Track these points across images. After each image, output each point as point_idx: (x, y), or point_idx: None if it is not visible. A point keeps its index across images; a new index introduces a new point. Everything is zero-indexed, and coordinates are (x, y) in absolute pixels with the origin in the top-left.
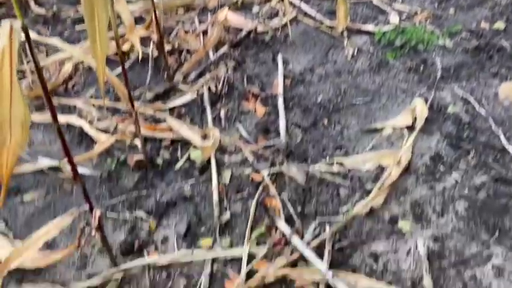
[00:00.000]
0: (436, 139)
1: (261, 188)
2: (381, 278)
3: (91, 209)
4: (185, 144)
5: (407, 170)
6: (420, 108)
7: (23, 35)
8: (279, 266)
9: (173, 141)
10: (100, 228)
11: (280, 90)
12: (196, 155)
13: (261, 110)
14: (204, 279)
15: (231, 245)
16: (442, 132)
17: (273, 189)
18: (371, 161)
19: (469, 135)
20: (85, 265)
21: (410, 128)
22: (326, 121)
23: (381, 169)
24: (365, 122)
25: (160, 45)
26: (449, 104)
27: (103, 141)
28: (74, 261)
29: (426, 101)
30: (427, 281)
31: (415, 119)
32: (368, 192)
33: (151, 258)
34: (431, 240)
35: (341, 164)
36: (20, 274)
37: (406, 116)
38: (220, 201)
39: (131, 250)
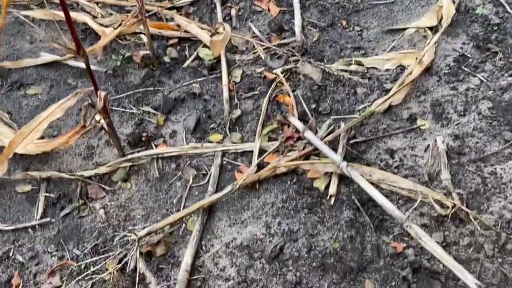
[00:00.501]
0: (462, 41)
1: (273, 85)
2: (396, 172)
3: (96, 89)
4: (194, 42)
5: (428, 71)
6: (447, 8)
7: None
8: (291, 159)
9: (180, 40)
10: (105, 110)
11: None
12: (205, 53)
13: (275, 9)
14: (213, 170)
15: (242, 141)
16: (468, 34)
17: (287, 86)
18: (391, 61)
19: (498, 38)
20: (92, 155)
21: (434, 30)
22: (344, 22)
23: (401, 69)
24: (386, 23)
25: None
26: (478, 5)
27: (108, 33)
28: (81, 152)
29: (453, 1)
30: (445, 175)
31: (440, 20)
32: (387, 91)
33: (159, 149)
34: (450, 138)
35: (359, 64)
36: (27, 162)
37: (431, 17)
38: (231, 98)
39: (138, 142)
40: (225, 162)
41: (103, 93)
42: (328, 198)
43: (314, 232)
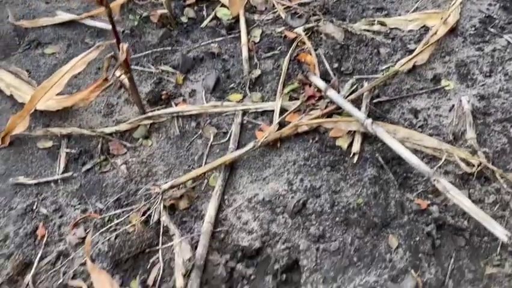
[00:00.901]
0: (488, 2)
1: (294, 45)
2: (420, 132)
3: (118, 42)
4: (212, 2)
5: (453, 32)
6: None
7: None
8: (313, 117)
9: (198, 0)
10: (127, 64)
11: None
12: (223, 13)
13: None
14: (234, 129)
15: (262, 100)
16: None
17: (309, 44)
18: (415, 21)
19: None
20: (112, 113)
21: None
22: None
23: (425, 30)
24: None
25: None
26: None
27: None
28: (100, 110)
29: None
30: (470, 134)
31: None
32: (410, 52)
33: (179, 107)
34: (476, 99)
35: (383, 24)
36: (47, 119)
37: None
38: (250, 58)
39: (158, 101)
40: (245, 121)
41: (125, 46)
42: (351, 156)
43: (337, 189)
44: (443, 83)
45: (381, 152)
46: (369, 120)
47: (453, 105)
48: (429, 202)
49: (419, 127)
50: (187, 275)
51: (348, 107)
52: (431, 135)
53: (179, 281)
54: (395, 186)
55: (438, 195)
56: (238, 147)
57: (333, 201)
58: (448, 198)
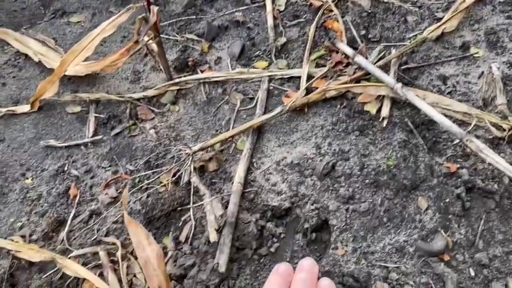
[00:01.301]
0: None
1: (320, 12)
2: (449, 98)
3: (149, 4)
4: None
5: (482, 0)
6: None
7: None
8: (341, 82)
9: None
10: (156, 27)
11: None
12: None
13: None
14: (260, 94)
15: (288, 67)
16: None
17: (336, 11)
18: None
19: None
20: (139, 80)
21: None
22: None
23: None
24: None
25: None
26: None
27: None
28: (127, 76)
29: None
30: (501, 100)
31: None
32: (438, 20)
33: (206, 74)
34: (506, 66)
35: None
36: (75, 85)
37: None
38: (275, 26)
39: (184, 67)
40: (271, 88)
41: (155, 8)
42: (380, 120)
43: (366, 152)
44: (472, 50)
45: (410, 117)
46: (399, 85)
47: (482, 72)
48: (458, 166)
49: (447, 93)
50: (219, 231)
51: (377, 72)
52: (460, 101)
53: (213, 235)
54: (424, 150)
55: (468, 159)
56: (265, 113)
57: (363, 164)
58: (478, 161)
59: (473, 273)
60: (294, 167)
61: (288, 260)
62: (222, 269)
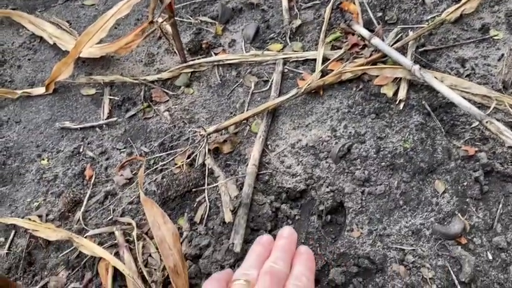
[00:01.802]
0: None
1: None
2: (468, 80)
3: None
4: None
5: None
6: None
7: None
8: (358, 64)
9: None
10: (171, 7)
11: None
12: None
13: None
14: (275, 77)
15: (303, 50)
16: None
17: None
18: None
19: None
20: (153, 62)
21: None
22: None
23: None
24: None
25: None
26: None
27: None
28: (141, 59)
29: None
30: None
31: None
32: (457, 1)
33: (220, 56)
34: None
35: None
36: (89, 68)
37: None
38: (290, 8)
39: (198, 50)
40: (286, 70)
41: None
42: (397, 103)
43: (382, 135)
44: (492, 32)
45: (428, 100)
46: (417, 66)
47: (502, 55)
48: (476, 149)
49: (466, 76)
50: (234, 212)
51: (394, 54)
52: (479, 83)
53: (228, 215)
54: (442, 133)
55: (486, 142)
56: (279, 96)
57: (379, 146)
58: (497, 144)
59: (490, 257)
60: (309, 150)
61: (302, 241)
62: (237, 249)
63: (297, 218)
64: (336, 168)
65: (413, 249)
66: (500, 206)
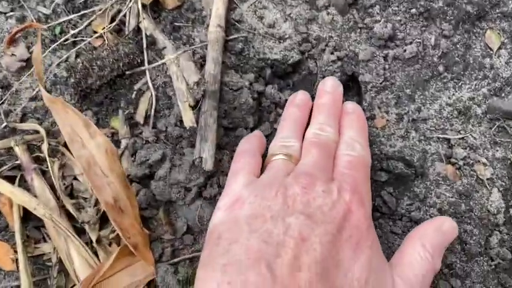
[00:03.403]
0: None
1: None
2: None
3: None
4: None
5: None
6: None
7: None
8: None
9: None
10: None
11: None
12: None
13: None
14: None
15: None
16: None
17: None
18: None
19: None
20: None
21: None
22: None
23: None
24: None
25: None
26: None
27: None
28: None
29: None
30: None
31: None
32: None
33: None
34: None
35: None
36: None
37: None
38: None
39: None
40: None
41: None
42: None
43: None
44: None
45: None
46: None
47: None
48: None
49: None
50: (196, 107)
51: None
52: None
53: (188, 116)
54: None
55: None
56: None
57: None
58: None
59: None
60: None
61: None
62: (208, 165)
63: None
64: (343, 22)
65: (462, 138)
66: None
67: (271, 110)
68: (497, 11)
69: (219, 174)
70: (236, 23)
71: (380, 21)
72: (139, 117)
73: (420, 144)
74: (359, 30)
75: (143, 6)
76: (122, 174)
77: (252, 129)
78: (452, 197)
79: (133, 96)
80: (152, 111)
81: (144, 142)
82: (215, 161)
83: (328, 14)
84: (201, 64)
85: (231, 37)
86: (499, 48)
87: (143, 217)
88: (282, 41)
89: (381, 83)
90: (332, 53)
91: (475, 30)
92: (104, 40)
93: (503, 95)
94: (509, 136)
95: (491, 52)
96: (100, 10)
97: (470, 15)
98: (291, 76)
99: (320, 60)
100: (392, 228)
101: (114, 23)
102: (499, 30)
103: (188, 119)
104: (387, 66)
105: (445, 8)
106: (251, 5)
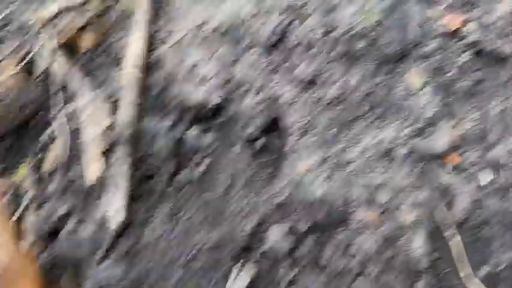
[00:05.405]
0: None
1: None
2: None
3: None
4: None
5: None
6: None
7: None
8: None
9: None
10: None
11: None
12: None
13: None
14: None
15: None
16: None
17: None
18: None
19: None
20: None
21: None
22: None
23: None
24: None
25: None
26: None
27: None
28: None
29: None
30: None
31: None
32: None
33: None
34: None
35: None
36: None
37: None
38: None
39: None
40: None
41: None
42: None
43: (330, 5)
44: None
45: None
46: None
47: None
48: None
49: None
50: (108, 152)
51: None
52: None
53: (96, 165)
54: None
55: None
56: None
57: (326, 25)
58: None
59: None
60: (223, 35)
61: (229, 183)
62: (115, 222)
63: (214, 147)
64: (266, 63)
65: (384, 183)
66: (496, 102)
67: (195, 152)
68: (418, 51)
69: (134, 227)
70: (155, 64)
71: (302, 62)
72: (48, 166)
73: (343, 190)
74: (281, 71)
75: (59, 45)
76: (15, 244)
77: (172, 176)
78: (375, 243)
79: (40, 144)
80: (61, 160)
81: (50, 195)
82: (129, 213)
83: (251, 54)
84: (116, 107)
85: (150, 79)
86: (421, 88)
87: (49, 280)
88: (204, 83)
89: (304, 126)
90: (256, 95)
91: (397, 71)
92: (11, 83)
93: (425, 134)
94: (433, 178)
95: (413, 92)
96: (8, 50)
97: (392, 55)
98: (215, 118)
99: (243, 102)
100: None
101: (23, 63)
102: (421, 70)
103: (97, 168)
104: (310, 108)
105: (367, 48)
106: (172, 46)
